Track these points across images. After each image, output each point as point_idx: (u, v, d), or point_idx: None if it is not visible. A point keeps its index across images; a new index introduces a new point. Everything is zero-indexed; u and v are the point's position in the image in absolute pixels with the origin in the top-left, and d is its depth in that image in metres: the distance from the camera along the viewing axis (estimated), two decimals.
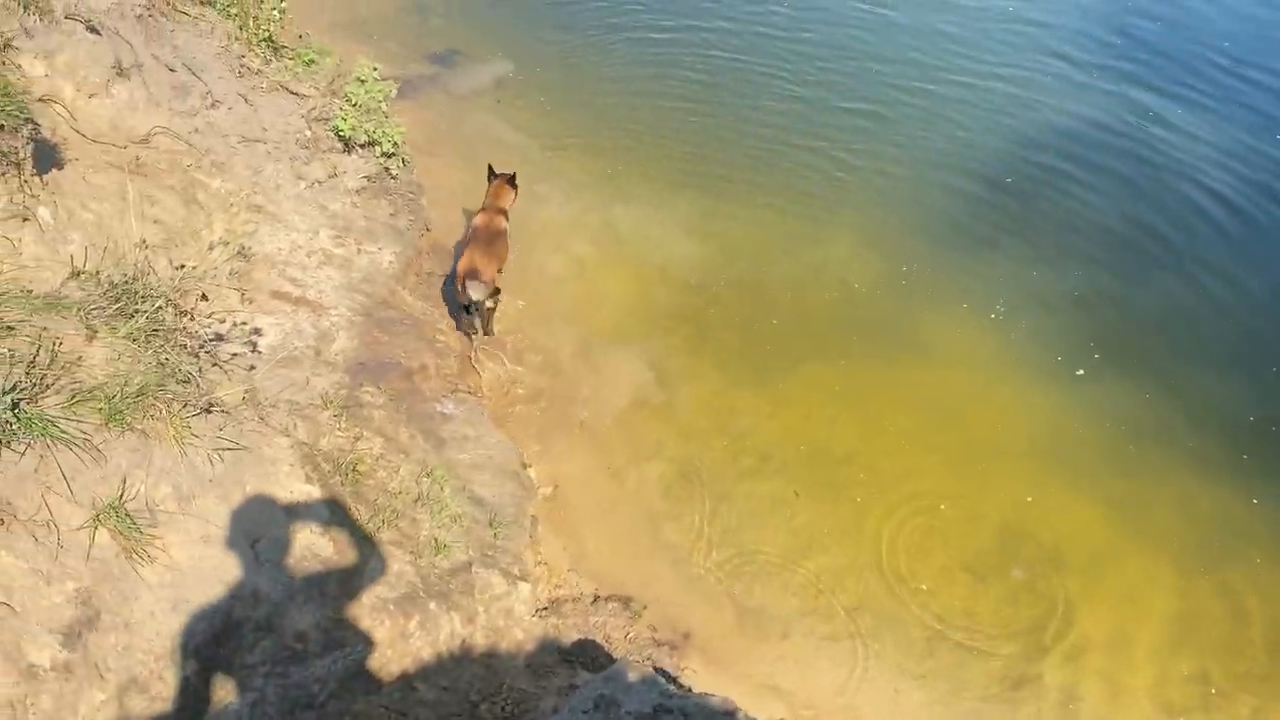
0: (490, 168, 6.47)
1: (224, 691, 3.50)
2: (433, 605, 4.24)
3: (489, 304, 6.07)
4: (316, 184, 6.69)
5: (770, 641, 5.12)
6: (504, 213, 6.33)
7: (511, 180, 6.43)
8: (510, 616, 4.62)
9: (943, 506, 5.81)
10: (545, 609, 4.94)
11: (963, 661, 5.12)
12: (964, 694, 4.99)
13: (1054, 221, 8.10)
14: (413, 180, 7.29)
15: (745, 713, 4.31)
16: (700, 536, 5.52)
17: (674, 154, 8.42)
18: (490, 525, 4.92)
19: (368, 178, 6.92)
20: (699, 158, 8.40)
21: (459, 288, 5.89)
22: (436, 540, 4.57)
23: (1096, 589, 5.48)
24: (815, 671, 5.01)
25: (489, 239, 6.09)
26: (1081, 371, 6.78)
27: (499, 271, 6.11)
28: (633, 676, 4.33)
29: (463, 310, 6.10)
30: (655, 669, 4.75)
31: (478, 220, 6.23)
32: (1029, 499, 5.91)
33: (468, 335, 6.28)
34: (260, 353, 5.14)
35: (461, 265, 5.94)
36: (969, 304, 7.24)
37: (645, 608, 5.13)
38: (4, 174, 4.58)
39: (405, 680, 4.10)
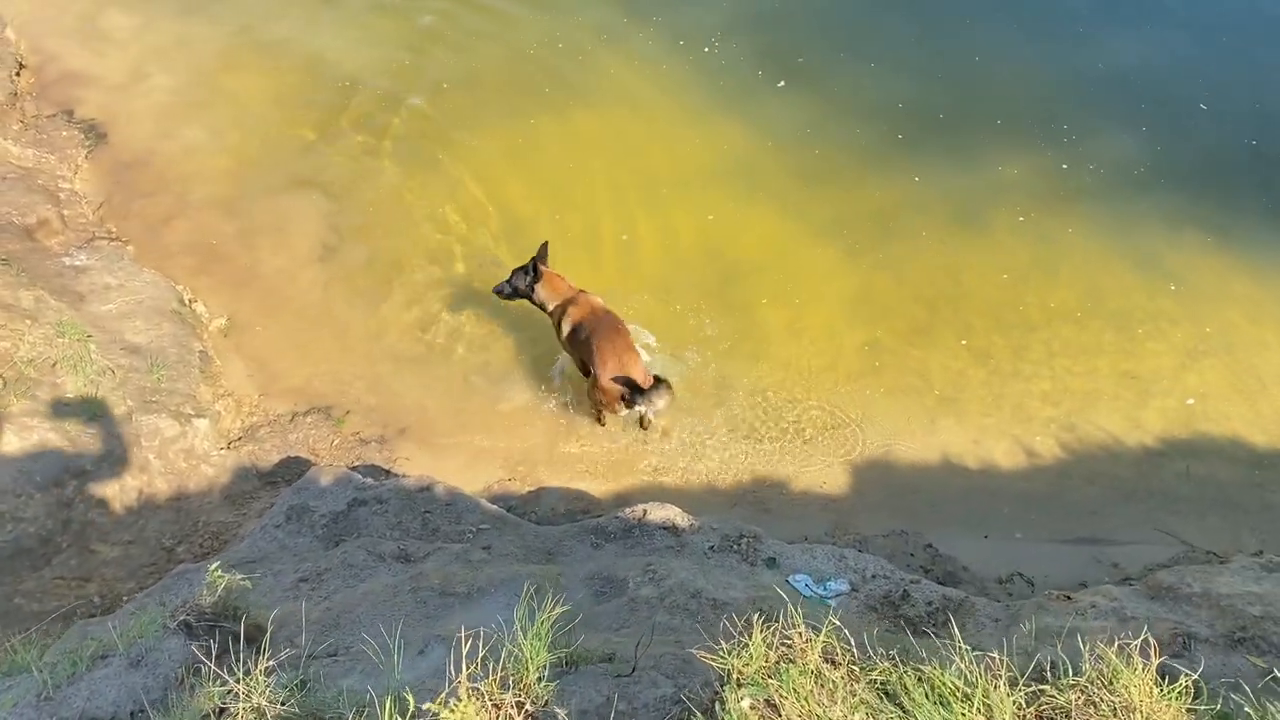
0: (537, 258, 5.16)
1: None
2: (89, 466, 4.03)
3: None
4: None
5: (481, 409, 5.22)
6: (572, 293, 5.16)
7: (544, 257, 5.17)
8: (193, 455, 4.47)
9: (625, 237, 5.98)
10: (239, 439, 4.81)
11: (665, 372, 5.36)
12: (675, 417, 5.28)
13: None
14: None
15: (444, 484, 4.44)
16: (391, 325, 5.43)
17: None
18: (151, 370, 4.64)
19: None
20: None
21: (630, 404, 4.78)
22: (85, 399, 4.28)
23: (776, 287, 5.84)
24: (527, 430, 5.17)
25: (615, 329, 4.98)
26: (782, 83, 6.96)
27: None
28: (325, 480, 4.34)
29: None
30: (361, 467, 4.78)
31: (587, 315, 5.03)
32: (710, 217, 6.14)
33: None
34: None
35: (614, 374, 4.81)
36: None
37: (348, 412, 5.10)
38: None
39: (80, 546, 3.95)
